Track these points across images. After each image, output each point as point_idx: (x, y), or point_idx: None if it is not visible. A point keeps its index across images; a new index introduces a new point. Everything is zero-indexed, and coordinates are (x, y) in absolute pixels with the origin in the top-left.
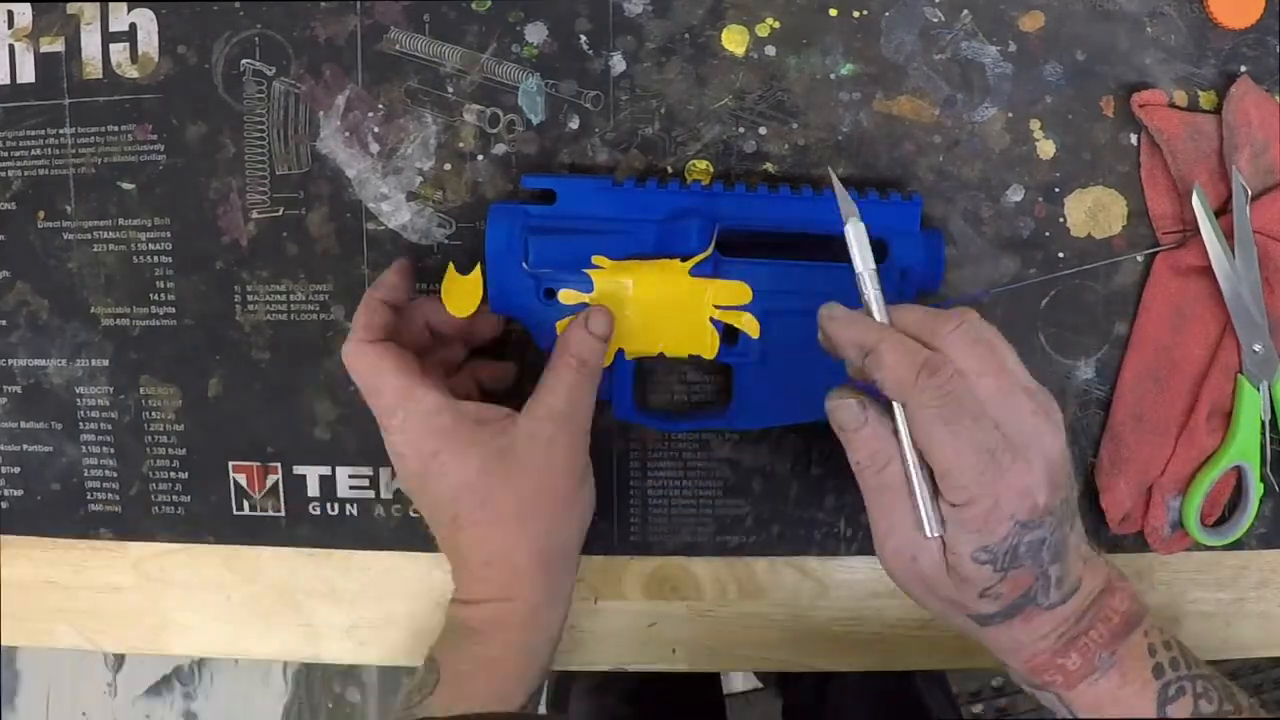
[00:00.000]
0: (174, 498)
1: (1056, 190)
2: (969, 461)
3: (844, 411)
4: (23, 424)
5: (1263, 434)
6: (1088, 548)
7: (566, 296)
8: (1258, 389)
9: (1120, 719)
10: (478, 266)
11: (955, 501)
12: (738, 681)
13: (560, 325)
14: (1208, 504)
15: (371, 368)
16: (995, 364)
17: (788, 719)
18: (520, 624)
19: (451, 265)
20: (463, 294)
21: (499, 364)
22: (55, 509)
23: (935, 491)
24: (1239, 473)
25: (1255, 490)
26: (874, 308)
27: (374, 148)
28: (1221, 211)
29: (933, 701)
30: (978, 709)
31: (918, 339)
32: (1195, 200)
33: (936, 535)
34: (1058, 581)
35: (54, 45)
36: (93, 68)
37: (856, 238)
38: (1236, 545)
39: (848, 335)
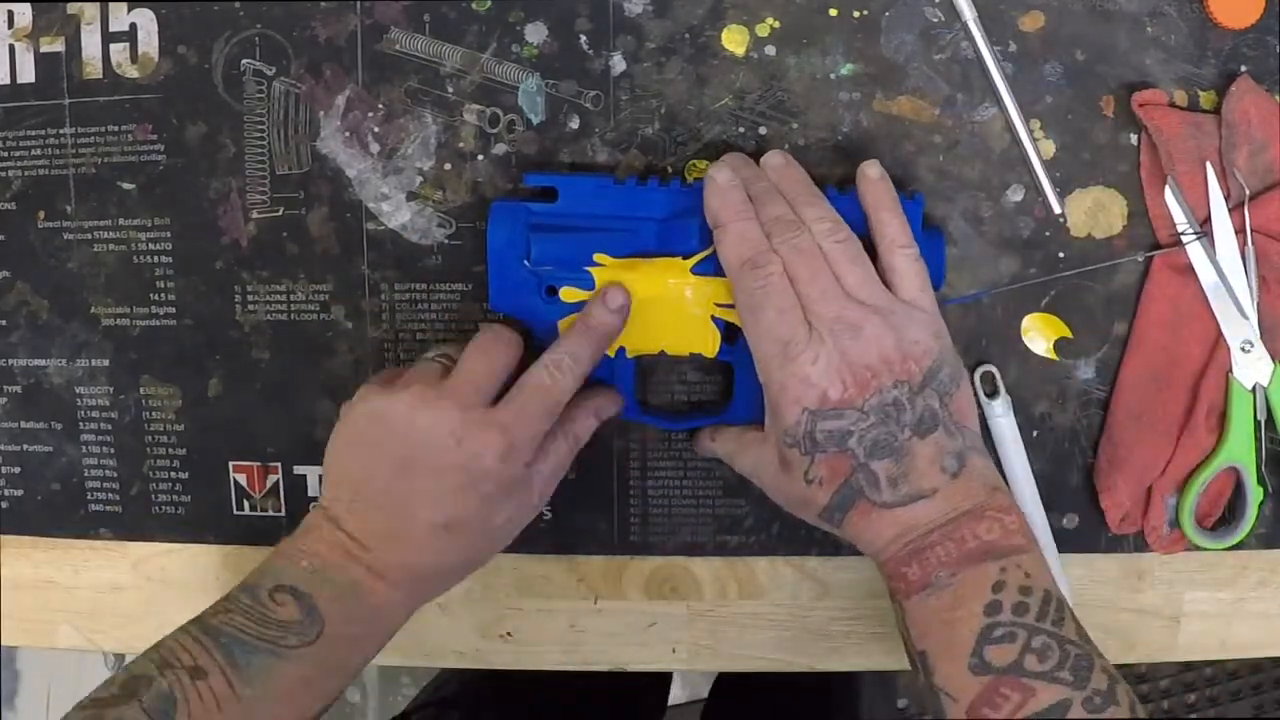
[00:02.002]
0: (174, 498)
1: (1057, 190)
2: (766, 349)
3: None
4: (23, 424)
5: (1257, 435)
6: (960, 466)
7: (568, 294)
8: (1249, 389)
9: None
10: None
11: (761, 383)
12: (680, 692)
13: (564, 323)
14: (1206, 505)
15: (506, 353)
16: (861, 268)
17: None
18: (403, 613)
19: None
20: None
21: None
22: (55, 509)
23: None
24: (1236, 475)
25: (1253, 493)
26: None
27: (374, 148)
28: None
29: (871, 712)
30: None
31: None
32: (1169, 196)
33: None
34: (891, 481)
35: (54, 45)
36: (93, 68)
37: None
38: (1237, 545)
39: (711, 203)
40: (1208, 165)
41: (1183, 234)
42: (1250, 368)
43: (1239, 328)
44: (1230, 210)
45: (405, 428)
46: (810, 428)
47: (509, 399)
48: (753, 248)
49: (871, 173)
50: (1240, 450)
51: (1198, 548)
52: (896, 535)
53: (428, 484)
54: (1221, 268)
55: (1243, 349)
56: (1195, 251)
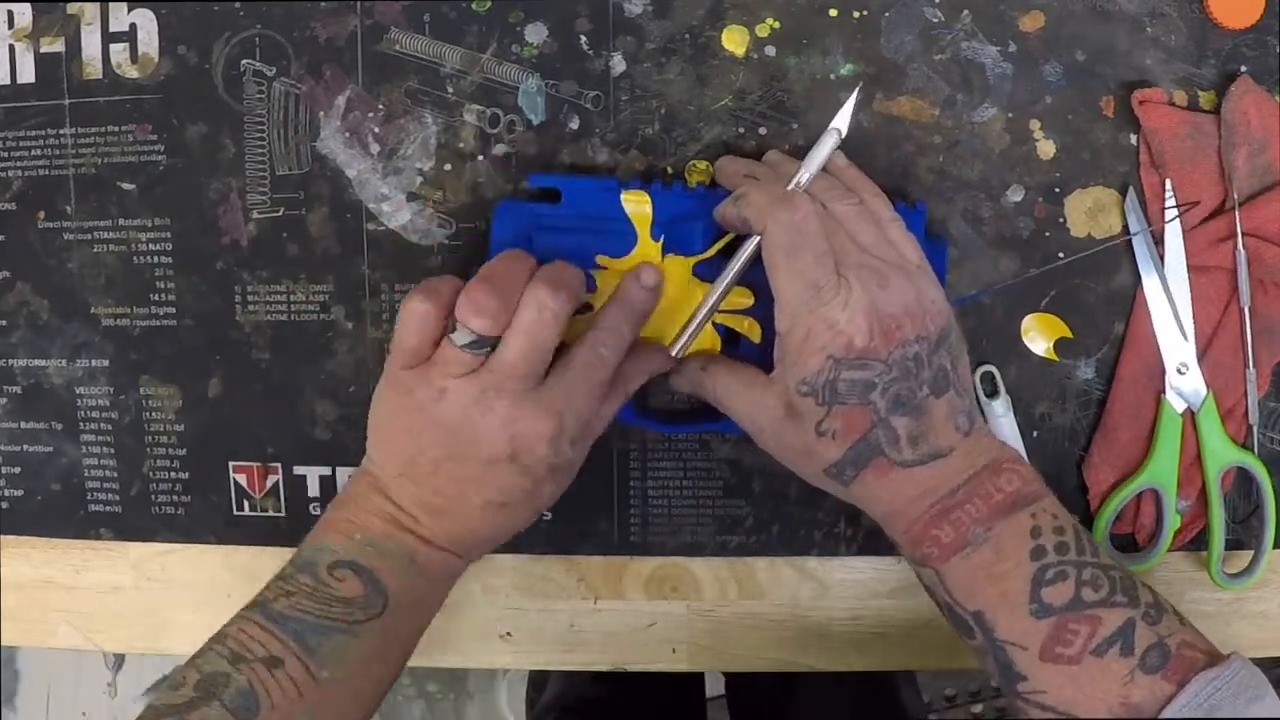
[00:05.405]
0: (174, 498)
1: (1056, 190)
2: (796, 291)
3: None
4: (23, 424)
5: (1182, 460)
6: (971, 425)
7: None
8: (1179, 413)
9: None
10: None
11: (780, 330)
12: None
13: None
14: (1135, 527)
15: (551, 331)
16: (874, 228)
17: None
18: (457, 575)
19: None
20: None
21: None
22: (55, 509)
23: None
24: (1156, 497)
25: (1170, 519)
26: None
27: (374, 148)
28: (1219, 213)
29: (908, 700)
30: (977, 709)
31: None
32: (1127, 205)
33: (675, 355)
34: (910, 439)
35: (54, 45)
36: (93, 68)
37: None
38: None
39: (728, 179)
40: (1167, 182)
41: (1135, 245)
42: (1183, 391)
43: (1178, 349)
44: (1219, 214)
45: (459, 422)
46: (833, 376)
47: (556, 378)
48: (784, 191)
49: (840, 162)
50: (1163, 473)
51: (1193, 545)
52: (918, 496)
53: (479, 472)
54: (1168, 286)
55: (1178, 370)
56: (1143, 261)
